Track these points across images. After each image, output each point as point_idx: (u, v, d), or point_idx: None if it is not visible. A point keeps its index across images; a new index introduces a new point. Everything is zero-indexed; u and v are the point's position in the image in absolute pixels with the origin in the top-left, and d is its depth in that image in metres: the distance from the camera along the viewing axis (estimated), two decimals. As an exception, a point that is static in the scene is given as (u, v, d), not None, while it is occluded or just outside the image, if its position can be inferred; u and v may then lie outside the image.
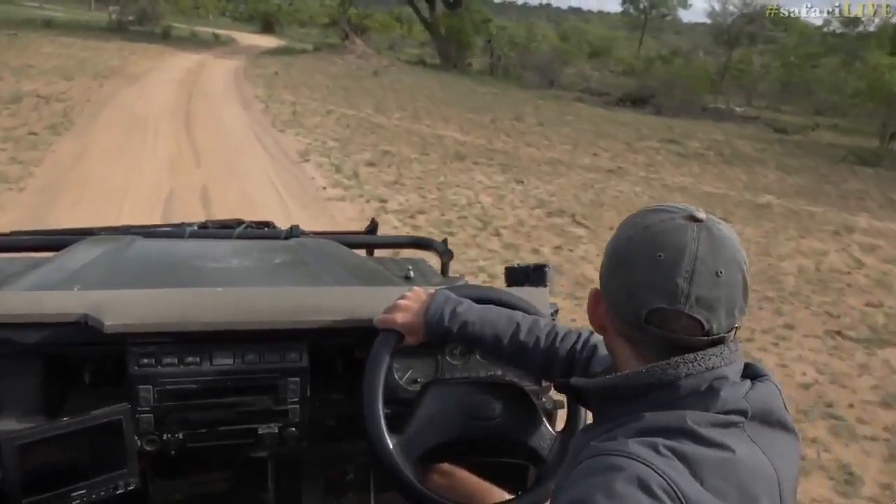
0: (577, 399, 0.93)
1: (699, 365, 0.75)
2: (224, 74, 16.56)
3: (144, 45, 21.33)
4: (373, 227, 2.17)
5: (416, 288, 1.19)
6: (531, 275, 1.50)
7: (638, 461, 0.69)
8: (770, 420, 0.78)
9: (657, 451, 0.70)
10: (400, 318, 1.13)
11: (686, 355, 0.76)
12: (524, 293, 1.27)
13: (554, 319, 1.27)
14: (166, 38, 25.54)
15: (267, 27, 41.20)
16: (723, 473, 0.71)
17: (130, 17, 27.90)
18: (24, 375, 1.11)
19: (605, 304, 0.84)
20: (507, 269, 1.58)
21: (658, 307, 0.76)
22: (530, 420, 1.17)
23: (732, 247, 0.77)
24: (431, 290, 1.18)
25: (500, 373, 1.35)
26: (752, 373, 0.81)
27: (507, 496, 1.13)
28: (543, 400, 1.35)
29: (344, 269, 1.57)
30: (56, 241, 1.67)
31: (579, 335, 1.13)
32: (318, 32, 39.74)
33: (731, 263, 0.76)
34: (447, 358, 1.33)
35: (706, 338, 0.76)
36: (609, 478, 0.68)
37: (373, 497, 1.42)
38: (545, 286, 1.46)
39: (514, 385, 1.23)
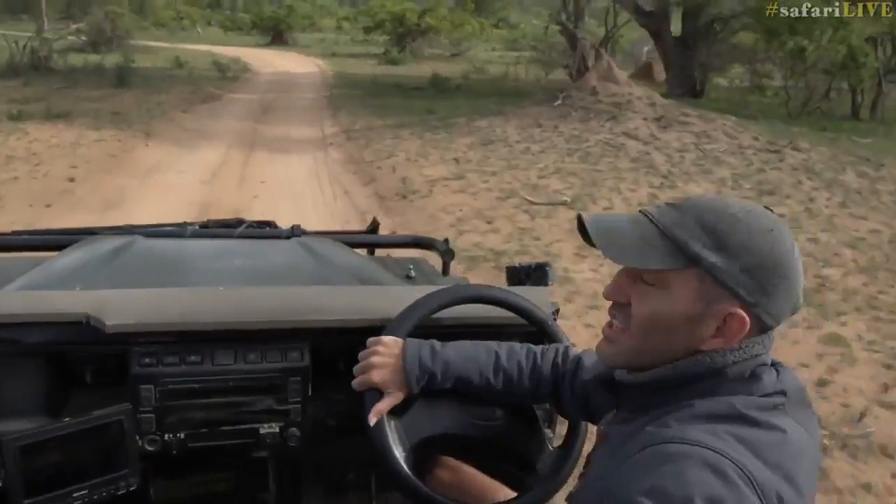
0: (613, 394, 0.93)
1: (744, 353, 0.78)
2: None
3: (34, 139, 7.75)
4: (374, 227, 2.17)
5: (382, 338, 1.10)
6: (532, 274, 1.50)
7: (703, 447, 0.69)
8: (803, 400, 0.81)
9: (719, 437, 0.71)
10: (377, 376, 1.06)
11: (732, 345, 0.78)
12: (525, 292, 1.26)
13: (555, 319, 1.27)
14: (123, 81, 13.23)
15: (276, 37, 34.77)
16: (781, 453, 0.72)
17: (82, 38, 19.14)
18: (26, 375, 1.11)
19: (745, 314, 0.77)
20: (508, 268, 1.57)
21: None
22: (529, 429, 1.17)
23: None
24: (395, 339, 1.10)
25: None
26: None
27: (513, 494, 1.13)
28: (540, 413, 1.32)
29: (345, 268, 1.57)
30: (58, 240, 1.67)
31: (556, 350, 1.13)
32: (333, 39, 33.71)
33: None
34: None
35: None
36: (679, 466, 0.68)
37: (374, 497, 1.42)
38: (546, 285, 1.45)
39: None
